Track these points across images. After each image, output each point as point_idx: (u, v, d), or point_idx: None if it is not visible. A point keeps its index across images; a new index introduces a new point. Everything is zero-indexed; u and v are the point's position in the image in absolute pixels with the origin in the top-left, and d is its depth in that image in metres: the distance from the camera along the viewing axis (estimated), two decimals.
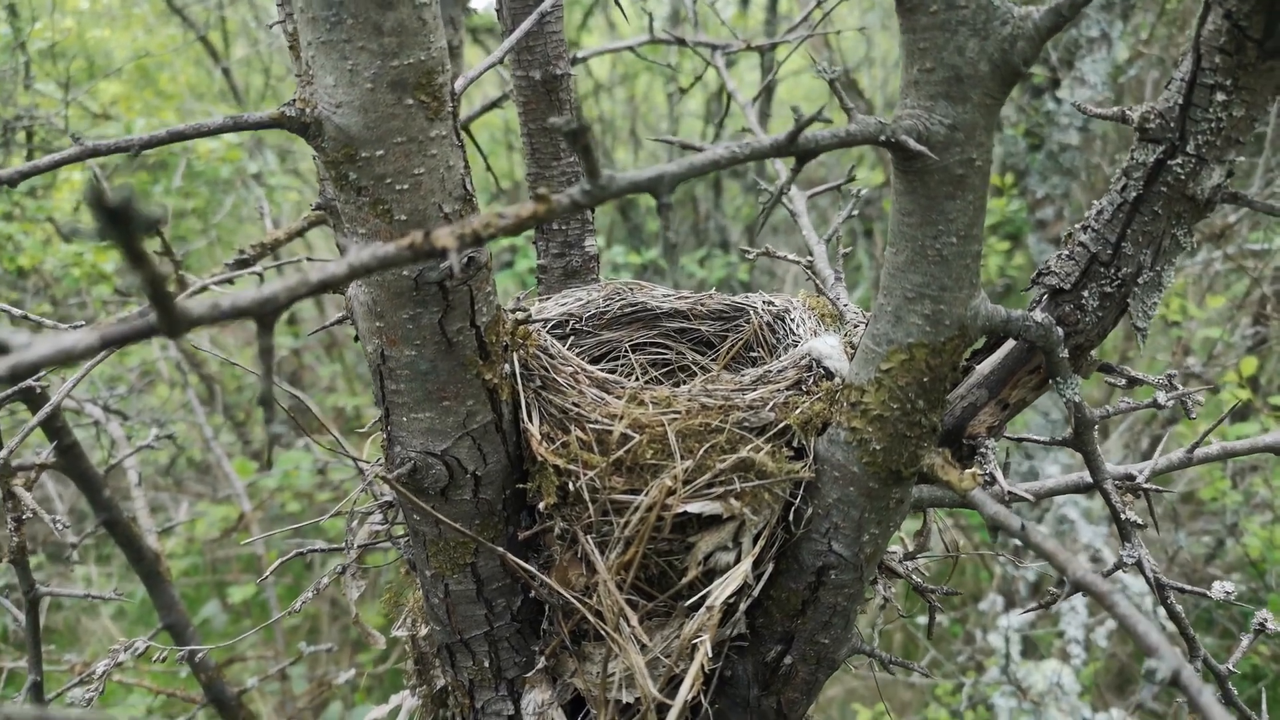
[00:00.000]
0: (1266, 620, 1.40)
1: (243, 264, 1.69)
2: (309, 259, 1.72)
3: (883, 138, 0.95)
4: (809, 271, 1.60)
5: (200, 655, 1.62)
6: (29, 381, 1.47)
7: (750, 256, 1.65)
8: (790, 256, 1.64)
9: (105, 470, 2.04)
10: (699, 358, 1.54)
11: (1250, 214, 4.93)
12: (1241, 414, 4.65)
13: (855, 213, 1.71)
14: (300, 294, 0.67)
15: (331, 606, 5.71)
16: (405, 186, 0.99)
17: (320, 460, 4.13)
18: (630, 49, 2.15)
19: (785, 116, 7.38)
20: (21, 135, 5.26)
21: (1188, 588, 1.27)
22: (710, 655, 1.05)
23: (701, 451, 1.08)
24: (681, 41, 2.18)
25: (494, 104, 1.97)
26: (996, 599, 4.91)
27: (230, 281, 1.90)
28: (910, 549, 1.45)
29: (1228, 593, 1.26)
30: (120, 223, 0.47)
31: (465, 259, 1.04)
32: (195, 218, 6.23)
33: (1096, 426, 1.16)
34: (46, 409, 1.39)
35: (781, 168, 2.03)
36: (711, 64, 2.24)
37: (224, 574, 5.72)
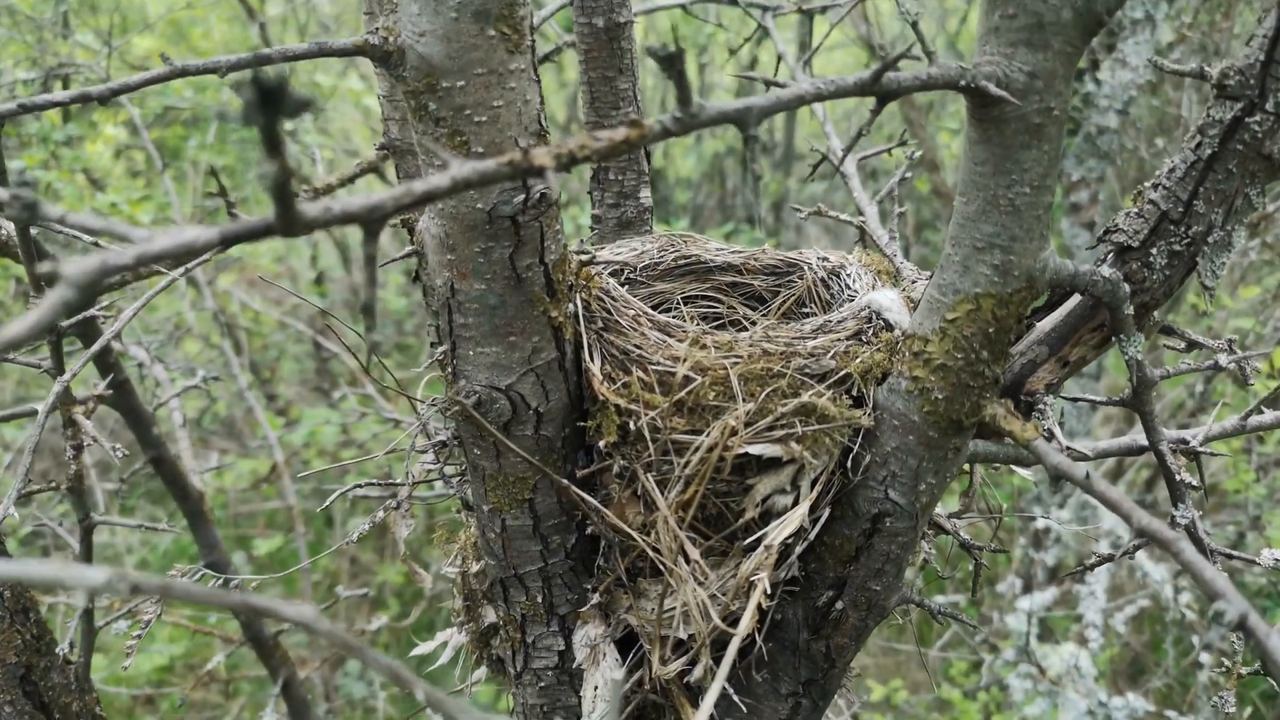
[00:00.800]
0: None
1: None
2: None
3: (963, 82, 0.95)
4: (861, 231, 1.60)
5: (255, 586, 1.65)
6: (92, 311, 1.50)
7: (803, 215, 1.65)
8: (843, 216, 1.64)
9: (154, 409, 2.07)
10: (750, 312, 1.55)
11: None
12: (1273, 403, 4.61)
13: (909, 175, 1.71)
14: (405, 204, 0.68)
15: (351, 564, 5.78)
16: (484, 119, 1.00)
17: (350, 415, 4.16)
18: (682, 6, 2.15)
19: (818, 70, 7.30)
20: (59, 85, 5.29)
21: (1236, 554, 1.28)
22: (768, 593, 1.06)
23: (763, 395, 1.09)
24: (732, 1, 2.17)
25: (547, 57, 1.98)
26: (1015, 581, 4.92)
27: None
28: (955, 510, 1.46)
29: (1277, 559, 1.27)
30: (273, 103, 0.48)
31: (538, 195, 1.05)
32: (227, 175, 6.26)
33: (1155, 388, 1.16)
34: (106, 336, 1.41)
35: (832, 133, 2.02)
36: (760, 24, 2.23)
37: (247, 529, 5.80)
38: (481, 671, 1.44)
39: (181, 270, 1.65)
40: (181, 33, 6.95)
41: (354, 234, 7.04)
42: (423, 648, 1.45)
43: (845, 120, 7.53)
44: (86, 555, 1.66)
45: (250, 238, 0.62)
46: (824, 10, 2.40)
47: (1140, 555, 4.37)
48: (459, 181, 0.70)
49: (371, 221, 0.67)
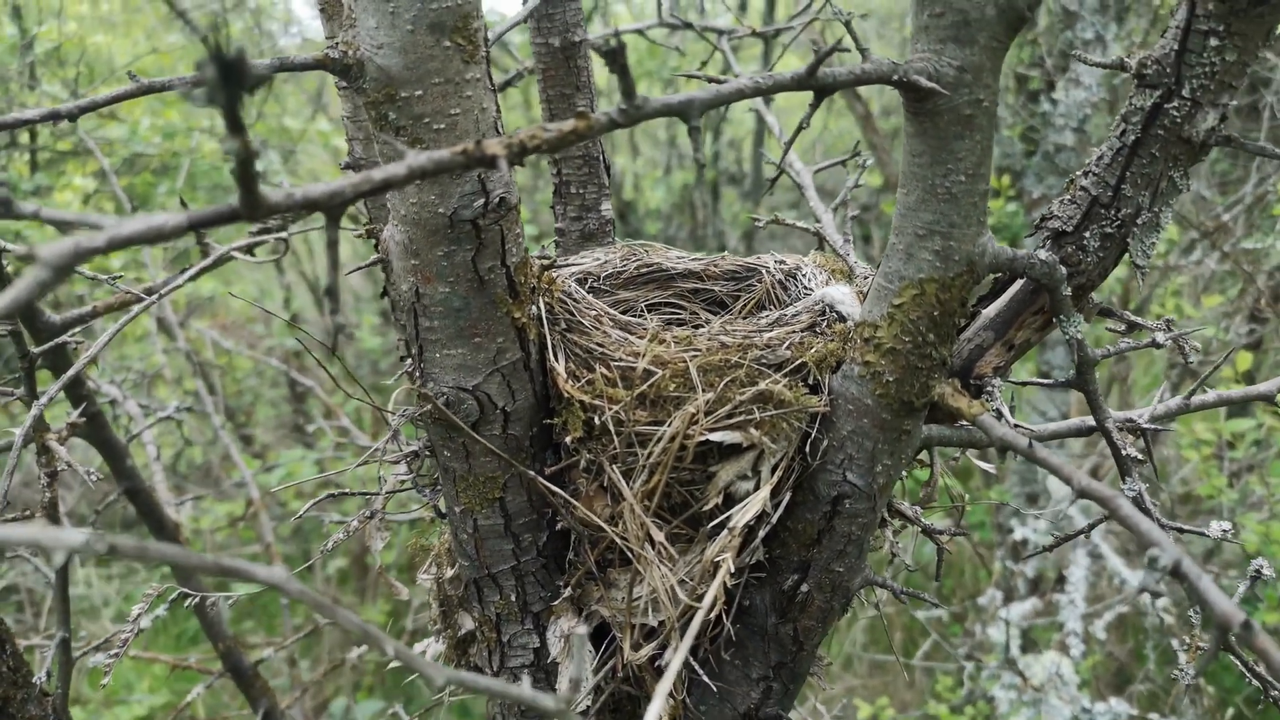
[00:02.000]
0: (1263, 567, 1.45)
1: (266, 230, 1.74)
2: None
3: (895, 77, 1.01)
4: (818, 237, 1.65)
5: (215, 607, 1.66)
6: (64, 338, 1.52)
7: (760, 223, 1.70)
8: (799, 224, 1.69)
9: (127, 440, 2.08)
10: (712, 317, 1.59)
11: (1245, 213, 5.01)
12: (1238, 409, 4.71)
13: (862, 182, 1.77)
14: (364, 190, 0.72)
15: (334, 604, 5.73)
16: (442, 126, 1.05)
17: (324, 452, 4.16)
18: (640, 32, 2.21)
19: (786, 108, 7.47)
20: (25, 135, 5.31)
21: (1186, 527, 1.32)
22: (732, 572, 1.09)
23: (722, 385, 1.13)
24: (689, 26, 2.24)
25: (509, 82, 2.03)
26: (995, 594, 4.95)
27: (251, 251, 1.95)
28: (918, 500, 1.50)
29: (1225, 530, 1.31)
30: (235, 77, 0.52)
31: (497, 199, 1.10)
32: None
33: (1096, 365, 1.21)
34: (80, 363, 1.43)
35: (794, 155, 2.08)
36: (718, 48, 2.30)
37: None
38: None
39: (155, 297, 1.68)
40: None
41: (326, 275, 7.05)
42: None
43: (811, 149, 7.67)
44: (62, 585, 1.66)
45: (217, 222, 0.66)
46: (776, 34, 2.48)
47: (1117, 562, 4.43)
48: (415, 170, 0.74)
49: (332, 207, 0.71)
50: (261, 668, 2.44)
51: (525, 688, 0.64)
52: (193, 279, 1.78)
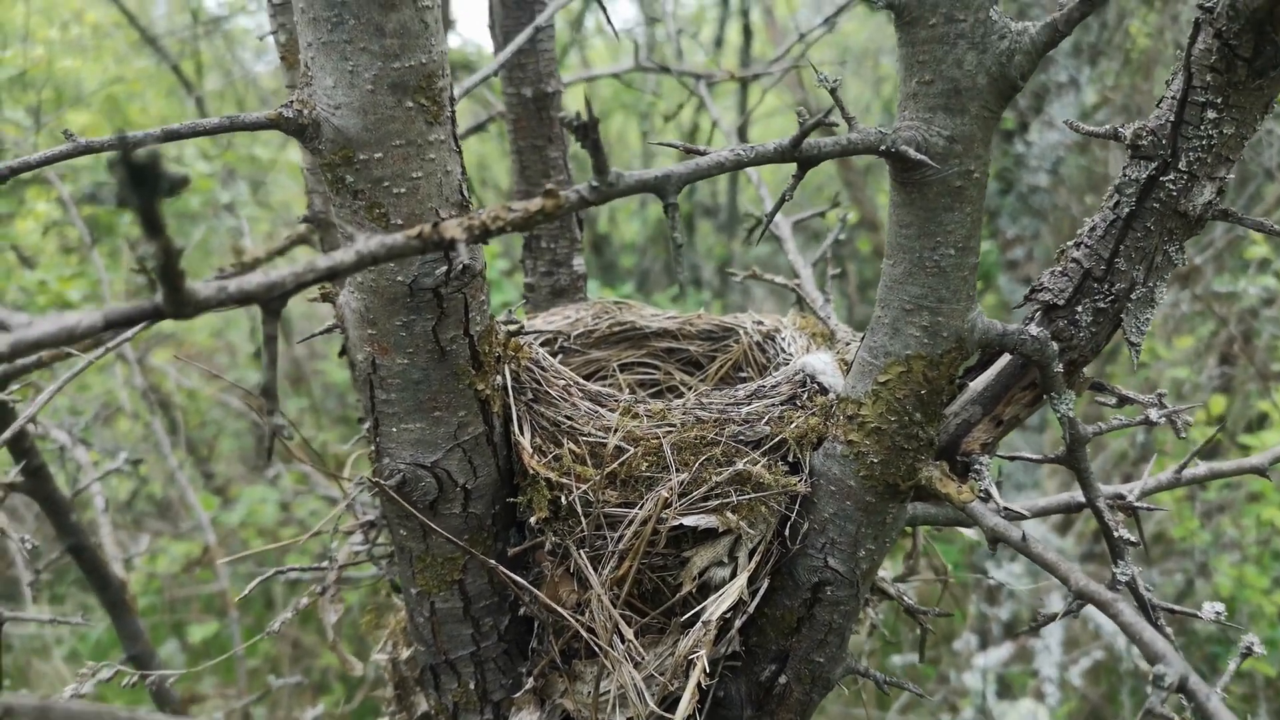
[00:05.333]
0: (1254, 644, 1.40)
1: (224, 275, 1.66)
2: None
3: (883, 147, 0.95)
4: (796, 293, 1.60)
5: (170, 680, 1.56)
6: (1, 397, 1.43)
7: (738, 278, 1.65)
8: (778, 279, 1.64)
9: (72, 495, 1.98)
10: (687, 378, 1.53)
11: (1215, 256, 5.04)
12: (1211, 453, 4.71)
13: (842, 237, 1.72)
14: (307, 280, 0.65)
15: (293, 649, 5.57)
16: (402, 190, 0.98)
17: (287, 493, 4.05)
18: (615, 75, 2.17)
19: (763, 139, 7.43)
20: None
21: (1178, 608, 1.27)
22: (707, 671, 1.02)
23: (697, 464, 1.07)
24: (665, 70, 2.20)
25: (479, 126, 1.97)
26: (971, 639, 4.90)
27: None
28: (900, 573, 1.44)
29: (1218, 613, 1.26)
30: (145, 182, 0.45)
31: (460, 265, 1.03)
32: None
33: (1089, 443, 1.16)
34: (19, 422, 1.34)
35: (767, 197, 2.04)
36: (695, 93, 2.26)
37: (183, 614, 5.57)
38: None
39: (101, 350, 1.60)
40: (118, 107, 6.86)
41: (292, 303, 6.95)
42: None
43: (786, 182, 7.64)
44: None
45: (137, 320, 0.59)
46: (755, 78, 2.44)
47: (1091, 607, 4.39)
48: (365, 256, 0.68)
49: (270, 300, 0.64)
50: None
51: None
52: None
